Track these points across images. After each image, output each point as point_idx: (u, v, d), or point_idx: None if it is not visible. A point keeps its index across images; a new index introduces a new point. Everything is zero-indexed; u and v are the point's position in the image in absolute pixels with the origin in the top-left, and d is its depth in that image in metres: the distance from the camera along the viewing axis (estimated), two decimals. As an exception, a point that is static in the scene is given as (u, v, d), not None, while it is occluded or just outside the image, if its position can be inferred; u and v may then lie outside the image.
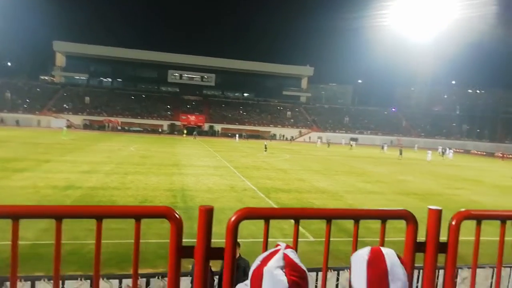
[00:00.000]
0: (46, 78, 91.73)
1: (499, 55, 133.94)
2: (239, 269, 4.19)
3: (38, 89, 76.64)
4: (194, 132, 65.99)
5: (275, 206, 14.35)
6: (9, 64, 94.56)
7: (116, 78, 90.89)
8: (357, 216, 1.73)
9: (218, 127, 76.58)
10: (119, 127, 70.29)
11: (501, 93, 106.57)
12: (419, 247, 1.73)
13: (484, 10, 79.37)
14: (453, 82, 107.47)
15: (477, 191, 21.11)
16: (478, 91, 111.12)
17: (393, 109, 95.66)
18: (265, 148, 41.10)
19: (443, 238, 1.79)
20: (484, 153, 64.81)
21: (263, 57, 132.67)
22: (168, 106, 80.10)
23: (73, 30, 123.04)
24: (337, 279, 5.58)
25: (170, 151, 35.68)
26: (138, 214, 1.59)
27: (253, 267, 1.04)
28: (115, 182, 17.43)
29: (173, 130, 73.22)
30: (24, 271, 5.94)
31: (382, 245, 1.78)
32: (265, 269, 0.98)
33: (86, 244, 8.36)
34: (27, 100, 71.28)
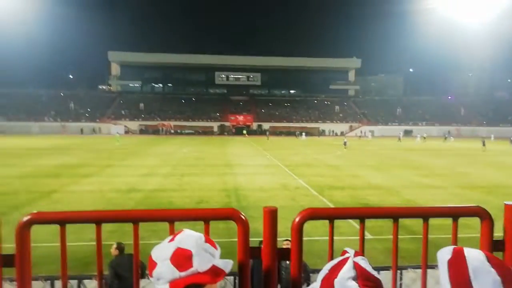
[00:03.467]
0: (103, 87, 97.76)
1: None
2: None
3: (97, 99, 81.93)
4: (267, 132, 67.14)
5: (329, 204, 14.16)
6: (70, 76, 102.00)
7: (166, 83, 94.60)
8: (426, 214, 1.67)
9: (266, 125, 76.98)
10: (172, 131, 73.17)
11: None
12: (497, 246, 1.64)
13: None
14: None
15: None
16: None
17: (450, 97, 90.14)
18: (345, 145, 41.17)
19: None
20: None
21: (308, 52, 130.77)
22: (217, 108, 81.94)
23: (125, 40, 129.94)
24: (401, 279, 5.41)
25: (221, 151, 36.46)
26: (207, 216, 1.68)
27: (321, 275, 0.98)
28: (172, 184, 18.16)
29: (223, 131, 74.79)
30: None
31: (455, 243, 1.71)
32: (336, 281, 0.90)
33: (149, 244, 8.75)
34: (88, 110, 76.47)
